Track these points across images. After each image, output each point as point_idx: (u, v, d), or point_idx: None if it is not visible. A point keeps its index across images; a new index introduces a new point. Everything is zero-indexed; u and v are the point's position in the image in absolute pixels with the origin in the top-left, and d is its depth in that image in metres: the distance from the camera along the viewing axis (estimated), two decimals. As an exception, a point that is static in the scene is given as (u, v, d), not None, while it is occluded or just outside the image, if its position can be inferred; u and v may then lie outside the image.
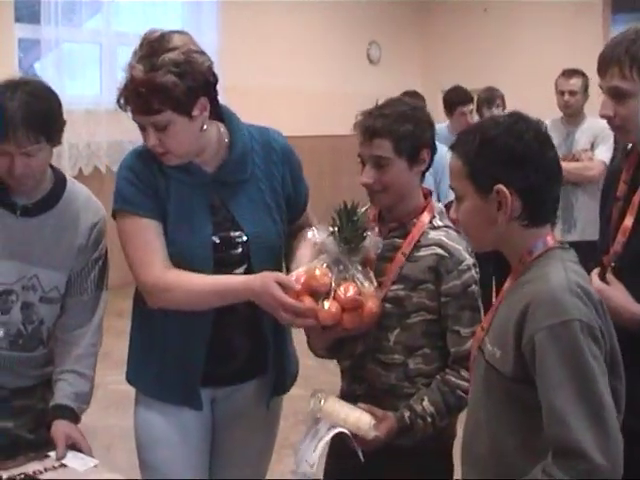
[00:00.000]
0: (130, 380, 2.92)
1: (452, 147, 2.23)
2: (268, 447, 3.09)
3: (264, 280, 2.55)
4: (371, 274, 2.61)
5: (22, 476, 2.55)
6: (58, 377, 2.88)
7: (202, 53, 2.62)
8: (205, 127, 2.65)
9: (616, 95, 2.54)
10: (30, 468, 2.59)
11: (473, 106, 6.90)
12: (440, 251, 2.66)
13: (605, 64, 2.54)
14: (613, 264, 2.51)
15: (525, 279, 2.13)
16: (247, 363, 2.85)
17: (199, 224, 2.71)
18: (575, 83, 6.40)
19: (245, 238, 2.74)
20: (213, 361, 2.77)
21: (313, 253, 2.71)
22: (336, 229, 2.57)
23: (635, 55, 2.47)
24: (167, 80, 2.50)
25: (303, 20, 11.35)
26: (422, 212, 2.74)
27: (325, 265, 2.57)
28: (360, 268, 2.58)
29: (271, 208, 2.81)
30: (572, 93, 6.41)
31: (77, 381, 2.89)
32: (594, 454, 1.87)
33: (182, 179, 2.70)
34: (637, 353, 2.26)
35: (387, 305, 2.66)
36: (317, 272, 2.55)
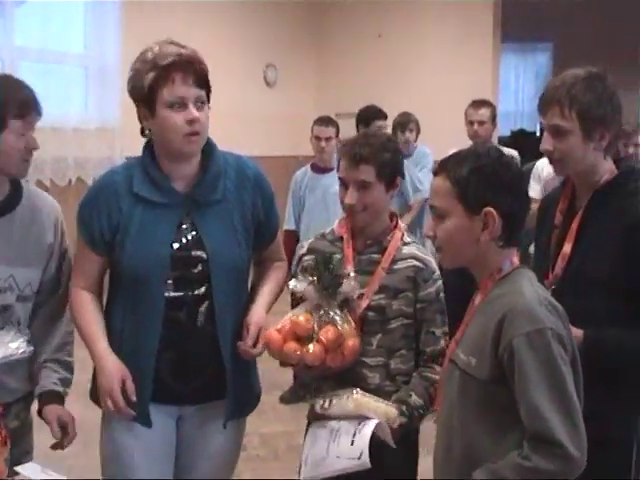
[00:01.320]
0: (93, 399, 3.03)
1: (437, 171, 2.48)
2: (229, 467, 3.20)
3: (114, 369, 2.79)
4: (349, 316, 2.92)
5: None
6: (42, 366, 3.04)
7: None
8: None
9: (556, 132, 2.82)
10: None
11: (386, 123, 7.05)
12: (417, 263, 3.05)
13: (547, 104, 2.82)
14: (554, 287, 2.73)
15: (496, 294, 2.40)
16: (209, 383, 2.95)
17: (159, 242, 2.84)
18: (484, 113, 6.63)
19: (205, 257, 2.85)
20: (177, 377, 2.89)
21: (276, 292, 3.06)
22: (315, 278, 2.89)
23: (574, 97, 2.75)
24: (204, 65, 2.89)
25: (200, 41, 11.41)
26: (393, 230, 3.11)
27: (307, 311, 2.87)
28: (338, 311, 2.90)
29: (237, 231, 2.93)
30: (481, 123, 6.64)
31: (60, 368, 3.06)
32: (567, 443, 2.18)
33: (153, 199, 2.84)
34: None
35: (370, 313, 3.02)
36: (301, 318, 2.88)
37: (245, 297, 3.02)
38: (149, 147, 2.92)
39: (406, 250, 3.08)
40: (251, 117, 12.14)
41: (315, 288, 2.90)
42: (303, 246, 3.28)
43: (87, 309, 2.91)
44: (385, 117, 7.05)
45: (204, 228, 2.87)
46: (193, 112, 2.76)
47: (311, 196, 6.42)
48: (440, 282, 3.09)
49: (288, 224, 6.54)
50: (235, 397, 2.98)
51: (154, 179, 2.86)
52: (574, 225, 2.87)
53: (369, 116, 7.00)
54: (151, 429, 2.91)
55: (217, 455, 3.09)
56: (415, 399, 2.96)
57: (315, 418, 3.03)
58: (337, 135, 6.44)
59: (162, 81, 2.76)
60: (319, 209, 6.32)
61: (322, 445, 2.86)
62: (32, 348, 2.71)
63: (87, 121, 9.80)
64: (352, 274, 2.98)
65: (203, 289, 2.86)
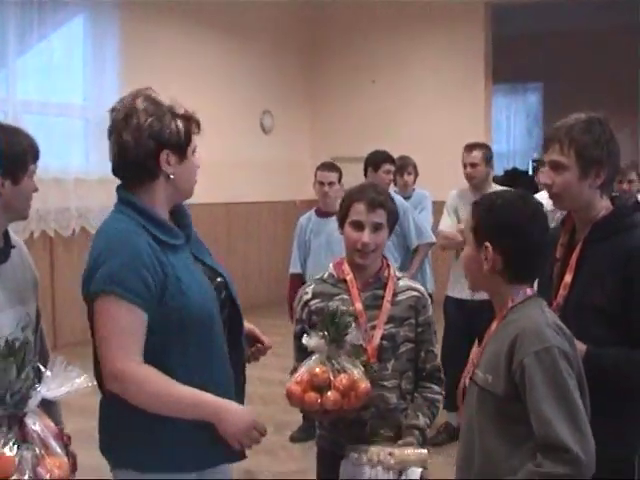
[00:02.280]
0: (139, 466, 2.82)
1: (474, 204, 2.80)
2: None
3: (246, 410, 2.83)
4: (357, 361, 3.19)
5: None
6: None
7: None
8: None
9: (554, 167, 3.07)
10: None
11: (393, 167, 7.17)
12: (415, 293, 3.47)
13: (548, 142, 3.08)
14: (558, 314, 2.88)
15: (510, 319, 2.67)
16: None
17: (203, 280, 2.87)
18: (476, 155, 6.73)
19: (224, 281, 2.99)
20: None
21: None
22: (325, 333, 3.14)
23: (573, 137, 3.00)
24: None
25: (198, 91, 11.61)
26: (386, 267, 3.49)
27: (321, 362, 3.14)
28: (347, 358, 3.17)
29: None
30: (473, 165, 6.74)
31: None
32: (575, 448, 2.41)
33: (174, 242, 2.83)
34: None
35: (384, 342, 3.37)
36: (317, 370, 3.12)
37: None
38: (132, 195, 2.87)
39: (402, 283, 3.48)
40: (248, 163, 12.32)
41: (325, 342, 3.15)
42: (307, 292, 3.52)
43: (162, 378, 2.69)
44: (393, 161, 7.17)
45: (205, 258, 2.99)
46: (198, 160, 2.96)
47: (316, 240, 6.52)
48: (431, 307, 3.51)
49: (294, 267, 6.64)
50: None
51: (164, 225, 2.83)
52: (574, 256, 3.08)
53: (377, 160, 7.13)
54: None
55: None
56: (423, 420, 3.37)
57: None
58: (340, 180, 6.55)
59: (192, 129, 2.90)
60: (324, 252, 6.43)
61: None
62: (94, 383, 2.63)
63: (88, 171, 10.01)
64: (353, 326, 3.23)
65: (225, 314, 2.97)
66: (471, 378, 2.77)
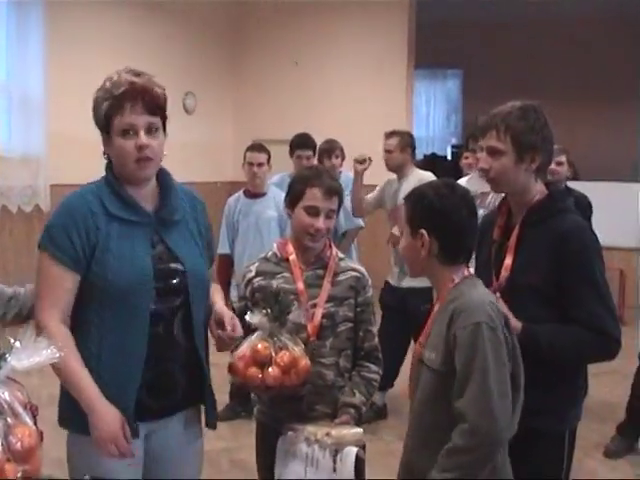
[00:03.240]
0: (64, 423, 3.07)
1: (405, 198, 2.96)
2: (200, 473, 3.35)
3: (114, 415, 2.86)
4: (298, 339, 3.31)
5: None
6: None
7: None
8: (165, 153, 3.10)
9: (492, 153, 3.20)
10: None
11: (311, 153, 7.25)
12: (355, 273, 3.56)
13: (485, 128, 3.22)
14: (498, 294, 3.08)
15: (450, 299, 2.82)
16: (184, 396, 3.11)
17: (140, 255, 2.98)
18: (391, 143, 6.86)
19: (182, 268, 3.05)
20: (153, 395, 3.00)
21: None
22: (268, 311, 3.27)
23: (509, 124, 3.14)
24: (159, 91, 3.06)
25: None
26: (329, 248, 3.58)
27: (263, 339, 3.25)
28: (289, 336, 3.29)
29: (200, 247, 3.19)
30: (388, 151, 6.88)
31: None
32: (475, 420, 2.61)
33: (126, 217, 2.99)
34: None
35: (323, 320, 3.45)
36: (259, 346, 3.23)
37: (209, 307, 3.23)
38: (110, 170, 3.06)
39: (343, 264, 3.57)
40: (171, 144, 12.22)
41: (268, 319, 3.25)
42: (251, 270, 3.57)
43: (71, 348, 2.85)
44: (308, 147, 7.27)
45: (173, 243, 3.07)
46: (142, 139, 2.94)
47: (244, 221, 6.58)
48: (371, 288, 3.60)
49: (222, 248, 6.69)
50: (212, 402, 3.24)
51: (125, 200, 2.99)
52: (513, 238, 3.22)
53: (291, 145, 7.33)
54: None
55: (192, 463, 3.26)
56: (359, 398, 3.46)
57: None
58: (269, 161, 6.62)
59: (115, 110, 2.93)
60: (253, 233, 6.52)
61: (298, 470, 3.25)
62: (62, 354, 2.72)
63: (11, 150, 9.84)
64: (295, 305, 3.36)
65: (178, 301, 3.03)
66: (420, 359, 2.92)
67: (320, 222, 3.43)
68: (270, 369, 3.19)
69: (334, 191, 3.46)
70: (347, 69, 12.76)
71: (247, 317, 3.26)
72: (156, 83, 3.04)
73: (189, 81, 12.82)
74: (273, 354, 3.21)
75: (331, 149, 7.71)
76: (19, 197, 9.92)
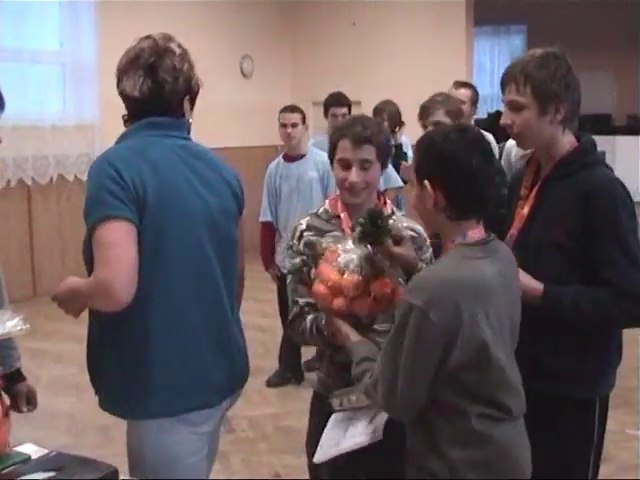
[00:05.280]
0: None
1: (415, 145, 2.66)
2: None
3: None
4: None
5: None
6: None
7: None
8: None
9: (513, 107, 3.01)
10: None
11: (346, 110, 7.13)
12: (412, 233, 3.17)
13: (505, 82, 3.03)
14: (511, 247, 2.86)
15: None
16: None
17: None
18: (464, 93, 6.68)
19: None
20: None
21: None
22: (359, 236, 2.88)
23: (528, 74, 2.95)
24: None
25: (176, 34, 11.45)
26: (383, 205, 3.24)
27: (353, 271, 2.87)
28: (387, 262, 2.91)
29: None
30: (461, 102, 6.70)
31: (14, 342, 3.24)
32: (378, 399, 2.49)
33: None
34: (537, 324, 2.79)
35: None
36: (348, 278, 2.86)
37: None
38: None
39: (398, 222, 3.16)
40: (229, 108, 12.23)
41: (363, 244, 2.90)
42: (301, 223, 3.29)
43: None
44: (342, 104, 7.16)
45: None
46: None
47: (286, 185, 6.51)
48: (429, 247, 3.24)
49: (264, 216, 6.67)
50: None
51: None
52: (534, 191, 3.05)
53: (325, 104, 7.21)
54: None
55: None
56: None
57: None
58: (304, 122, 6.53)
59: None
60: (295, 196, 6.45)
61: (339, 429, 3.00)
62: (29, 325, 2.71)
63: (65, 119, 9.92)
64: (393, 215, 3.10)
65: None
66: None
67: (353, 175, 3.14)
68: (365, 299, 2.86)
69: (364, 139, 3.13)
70: (405, 29, 12.62)
71: (341, 254, 2.92)
72: None
73: (246, 44, 12.79)
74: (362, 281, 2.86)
75: (381, 110, 7.55)
76: (75, 165, 9.99)
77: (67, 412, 5.50)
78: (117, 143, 2.88)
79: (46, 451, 2.68)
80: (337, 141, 3.21)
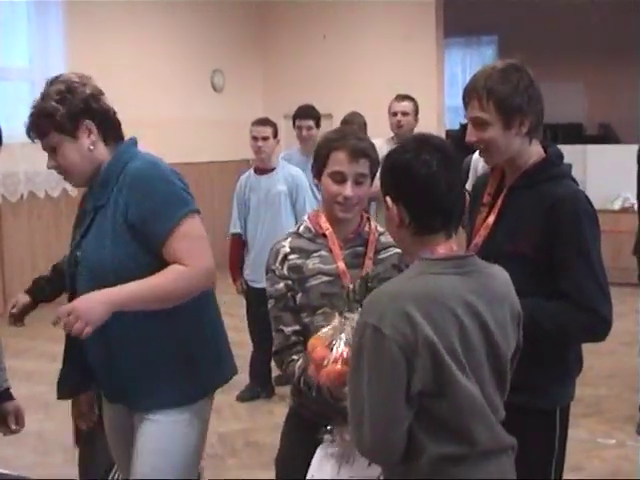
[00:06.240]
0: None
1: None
2: None
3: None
4: None
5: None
6: None
7: (84, 85, 3.00)
8: (92, 147, 2.97)
9: (477, 124, 2.94)
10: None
11: (312, 123, 7.16)
12: (398, 250, 3.04)
13: (467, 97, 2.96)
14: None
15: None
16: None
17: (71, 246, 3.13)
18: (407, 105, 6.82)
19: (79, 256, 3.05)
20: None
21: (144, 288, 2.88)
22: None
23: (490, 89, 2.88)
24: (49, 106, 2.94)
25: (146, 51, 11.43)
26: (367, 222, 3.17)
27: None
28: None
29: (105, 234, 2.98)
30: (404, 114, 6.81)
31: (1, 363, 3.34)
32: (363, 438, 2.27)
33: (83, 204, 3.17)
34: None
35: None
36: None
37: None
38: None
39: (384, 239, 3.12)
40: (200, 122, 12.19)
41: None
42: (284, 245, 3.10)
43: None
44: (310, 116, 7.19)
45: (86, 232, 3.05)
46: (49, 162, 3.10)
47: (254, 197, 6.54)
48: None
49: (233, 227, 6.72)
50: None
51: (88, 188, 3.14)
52: (499, 201, 3.01)
53: (294, 115, 7.30)
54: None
55: None
56: None
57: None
58: (275, 135, 6.54)
59: None
60: (263, 209, 6.48)
61: (332, 467, 2.87)
62: None
63: (34, 136, 9.79)
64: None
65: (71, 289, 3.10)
66: None
67: (348, 189, 2.99)
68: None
69: (361, 152, 3.00)
70: (375, 41, 12.60)
71: (335, 321, 2.80)
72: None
73: (217, 58, 12.76)
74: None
75: (350, 122, 7.63)
76: (46, 182, 9.93)
77: (35, 430, 5.42)
78: (125, 162, 3.01)
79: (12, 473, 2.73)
80: (328, 153, 3.05)
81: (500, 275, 2.50)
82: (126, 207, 2.93)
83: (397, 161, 2.42)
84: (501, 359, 2.38)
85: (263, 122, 6.62)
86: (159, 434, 2.99)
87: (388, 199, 2.41)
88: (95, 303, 2.75)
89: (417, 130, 6.87)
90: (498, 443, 2.37)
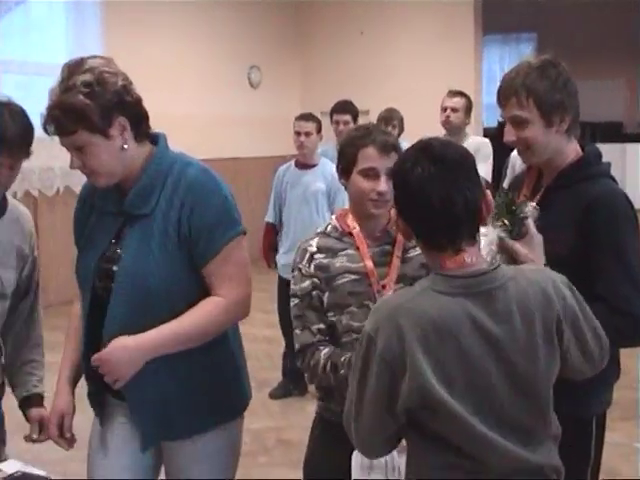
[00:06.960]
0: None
1: None
2: None
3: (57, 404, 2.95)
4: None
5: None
6: (21, 368, 3.20)
7: (115, 74, 2.63)
8: (126, 146, 2.62)
9: (516, 123, 2.87)
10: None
11: (349, 117, 7.12)
12: None
13: (504, 96, 2.89)
14: None
15: None
16: None
17: (91, 253, 2.79)
18: (458, 101, 6.74)
19: (116, 270, 2.71)
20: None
21: (176, 332, 2.72)
22: (505, 222, 2.78)
23: (530, 86, 2.81)
24: (77, 100, 2.55)
25: (184, 48, 11.44)
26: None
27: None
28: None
29: (151, 249, 2.69)
30: (454, 110, 6.75)
31: (37, 368, 3.22)
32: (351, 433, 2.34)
33: (102, 206, 2.79)
34: None
35: None
36: None
37: (158, 321, 2.69)
38: None
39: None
40: (236, 119, 12.19)
41: (507, 233, 2.79)
42: (311, 245, 3.06)
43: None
44: (346, 111, 7.14)
45: (125, 241, 2.73)
46: (73, 161, 2.67)
47: (292, 192, 6.54)
48: None
49: (268, 216, 6.81)
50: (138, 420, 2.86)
51: (109, 188, 2.72)
52: (536, 200, 2.93)
53: (330, 111, 7.27)
54: None
55: None
56: None
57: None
58: (319, 131, 6.51)
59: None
60: (299, 205, 6.46)
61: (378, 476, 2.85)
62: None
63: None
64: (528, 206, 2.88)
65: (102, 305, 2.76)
66: None
67: (382, 184, 2.92)
68: None
69: (391, 147, 2.96)
70: (413, 37, 12.61)
71: (482, 230, 2.66)
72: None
73: (254, 54, 12.77)
74: None
75: (390, 118, 7.59)
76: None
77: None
78: (169, 166, 2.74)
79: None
80: (357, 150, 3.00)
81: (532, 287, 2.32)
82: (179, 221, 2.68)
83: (396, 174, 2.37)
84: (522, 377, 2.26)
85: (306, 117, 6.60)
86: (202, 455, 2.87)
87: (392, 212, 2.45)
88: (127, 355, 2.61)
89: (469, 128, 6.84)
90: (513, 465, 2.25)
